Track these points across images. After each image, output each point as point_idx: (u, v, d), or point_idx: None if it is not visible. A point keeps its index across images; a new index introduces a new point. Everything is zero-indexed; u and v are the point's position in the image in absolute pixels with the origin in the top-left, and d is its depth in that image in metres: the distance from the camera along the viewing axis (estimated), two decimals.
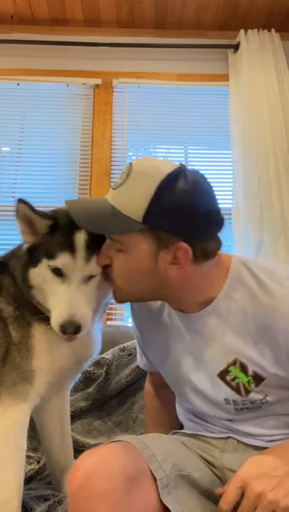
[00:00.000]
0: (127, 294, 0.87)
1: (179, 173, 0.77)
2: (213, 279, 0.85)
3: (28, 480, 1.20)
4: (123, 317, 2.08)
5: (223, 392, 0.86)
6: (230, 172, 2.22)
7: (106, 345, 1.54)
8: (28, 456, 1.31)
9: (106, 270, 0.86)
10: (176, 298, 0.87)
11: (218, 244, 0.85)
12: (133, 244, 0.78)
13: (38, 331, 0.92)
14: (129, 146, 2.36)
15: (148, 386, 1.20)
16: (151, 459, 0.77)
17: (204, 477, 0.83)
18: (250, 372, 0.83)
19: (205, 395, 0.89)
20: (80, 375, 1.12)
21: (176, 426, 1.10)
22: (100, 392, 1.43)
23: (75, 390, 1.46)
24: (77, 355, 0.99)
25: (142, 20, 2.44)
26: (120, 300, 0.89)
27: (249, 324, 0.82)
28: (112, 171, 2.29)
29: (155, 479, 0.74)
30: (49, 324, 0.86)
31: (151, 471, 0.75)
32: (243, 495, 0.69)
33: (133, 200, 0.76)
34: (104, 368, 1.44)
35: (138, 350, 1.13)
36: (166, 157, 2.40)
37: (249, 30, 2.38)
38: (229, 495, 0.69)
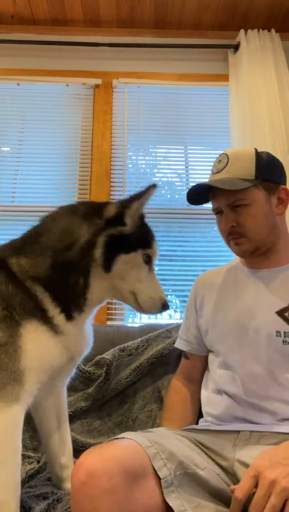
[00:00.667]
0: (254, 241, 1.05)
1: (257, 149, 1.09)
2: None
3: (28, 479, 1.21)
4: (123, 317, 2.08)
5: (277, 325, 0.99)
6: None
7: (106, 345, 1.54)
8: (28, 456, 1.31)
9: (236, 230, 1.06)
10: (272, 247, 1.07)
11: None
12: (253, 196, 1.03)
13: (26, 330, 0.91)
14: (129, 146, 2.36)
15: (174, 382, 1.27)
16: (155, 457, 0.77)
17: (210, 475, 0.84)
18: None
19: (255, 333, 1.01)
20: (74, 371, 1.11)
21: (193, 422, 1.14)
22: (100, 393, 1.43)
23: (75, 390, 1.46)
24: (69, 352, 0.99)
25: (142, 20, 2.44)
26: (246, 253, 1.07)
27: None
28: (112, 171, 2.29)
29: (159, 477, 0.75)
30: (41, 321, 0.91)
31: (155, 469, 0.75)
32: (256, 486, 0.71)
33: (244, 169, 1.04)
34: (104, 368, 1.44)
35: (184, 332, 1.26)
36: (166, 157, 2.40)
37: (249, 31, 2.38)
38: (244, 483, 0.72)
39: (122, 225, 0.98)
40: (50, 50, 2.42)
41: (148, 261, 1.01)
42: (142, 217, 1.04)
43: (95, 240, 0.97)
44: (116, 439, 0.81)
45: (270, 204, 1.06)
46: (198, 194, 1.12)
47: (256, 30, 2.38)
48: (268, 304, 1.02)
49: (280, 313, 1.00)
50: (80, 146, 2.33)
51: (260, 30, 2.38)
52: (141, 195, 1.00)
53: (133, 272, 0.98)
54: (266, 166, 1.06)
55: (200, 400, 1.13)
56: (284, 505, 0.67)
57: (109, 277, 0.98)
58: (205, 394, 1.10)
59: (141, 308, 1.01)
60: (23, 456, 1.30)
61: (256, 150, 1.07)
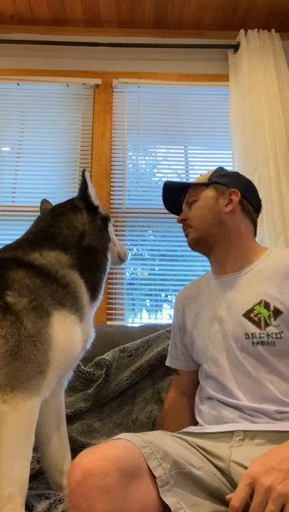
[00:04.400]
0: (197, 230, 1.16)
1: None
2: (254, 245, 1.16)
3: (29, 479, 1.20)
4: (123, 317, 2.08)
5: (244, 327, 1.01)
6: None
7: (106, 346, 1.55)
8: None
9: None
10: (227, 247, 1.14)
11: (255, 221, 1.21)
12: (202, 194, 1.18)
13: (56, 320, 0.92)
14: (129, 146, 2.36)
15: (169, 394, 1.29)
16: (150, 457, 0.77)
17: (206, 474, 0.84)
18: (271, 308, 1.00)
19: (228, 338, 1.04)
20: (72, 372, 1.12)
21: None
22: (100, 394, 1.43)
23: (75, 390, 1.46)
24: (83, 341, 1.02)
25: (142, 20, 2.44)
26: (192, 241, 1.18)
27: (277, 273, 1.05)
28: (112, 171, 2.29)
29: (155, 477, 0.75)
30: (72, 310, 0.97)
31: (150, 469, 0.76)
32: (252, 494, 0.70)
33: (203, 178, 1.22)
34: (104, 369, 1.44)
35: (171, 349, 1.29)
36: (166, 157, 2.40)
37: (249, 31, 2.38)
38: (240, 492, 0.71)
39: (98, 209, 1.24)
40: (50, 50, 2.42)
41: None
42: None
43: (98, 224, 1.21)
44: (112, 440, 0.81)
45: (218, 202, 1.16)
46: (171, 205, 1.30)
47: (256, 30, 2.38)
48: (235, 308, 1.05)
49: (247, 315, 1.02)
50: (80, 146, 2.33)
51: (260, 30, 2.38)
52: (86, 185, 1.24)
53: (114, 237, 1.30)
54: (221, 174, 1.21)
55: (193, 411, 1.14)
56: (282, 510, 0.67)
57: (112, 246, 1.25)
58: (198, 403, 1.11)
59: (121, 261, 1.35)
60: None
61: (221, 168, 1.26)
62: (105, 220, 1.25)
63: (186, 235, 1.20)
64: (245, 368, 1.00)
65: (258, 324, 1.00)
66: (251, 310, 1.02)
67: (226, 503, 0.74)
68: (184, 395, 1.23)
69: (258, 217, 1.23)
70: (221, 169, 1.24)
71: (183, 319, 1.23)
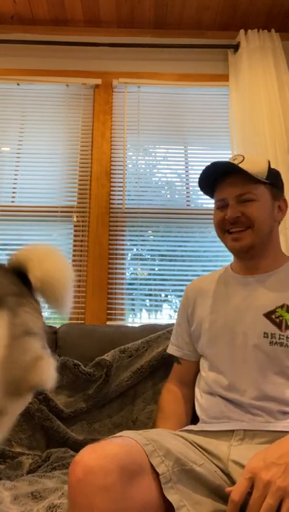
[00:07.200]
0: (256, 235, 1.07)
1: None
2: (280, 252, 1.15)
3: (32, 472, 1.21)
4: (123, 317, 2.08)
5: (264, 326, 1.02)
6: None
7: (106, 346, 1.55)
8: (26, 454, 1.32)
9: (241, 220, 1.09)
10: (264, 253, 1.11)
11: None
12: (262, 194, 1.08)
13: None
14: (129, 146, 2.36)
15: (169, 384, 1.28)
16: (152, 454, 0.77)
17: (207, 471, 0.84)
18: None
19: (244, 336, 1.04)
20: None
21: (186, 421, 1.17)
22: (100, 394, 1.43)
23: (75, 391, 1.46)
24: None
25: (142, 21, 2.44)
26: (247, 247, 1.08)
27: None
28: (112, 171, 2.29)
29: (156, 474, 0.75)
30: None
31: (152, 467, 0.76)
32: (252, 488, 0.71)
33: (259, 168, 1.09)
34: (104, 370, 1.44)
35: (175, 338, 1.28)
36: (166, 157, 2.40)
37: (249, 31, 2.38)
38: (239, 486, 0.72)
39: None
40: (50, 50, 2.42)
41: None
42: None
43: None
44: (113, 437, 0.81)
45: (274, 207, 1.11)
46: (207, 180, 1.14)
47: (256, 30, 2.38)
48: (256, 307, 1.06)
49: (268, 315, 1.03)
50: (80, 146, 2.33)
51: (260, 30, 2.38)
52: None
53: None
54: (275, 174, 1.14)
55: (193, 401, 1.15)
56: (281, 505, 0.68)
57: None
58: (198, 396, 1.12)
59: None
60: (23, 455, 1.31)
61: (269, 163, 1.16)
62: None
63: (236, 239, 1.09)
64: (255, 365, 1.00)
65: (278, 325, 1.01)
66: (273, 311, 1.03)
67: (227, 501, 0.74)
68: (183, 385, 1.23)
69: None
70: (271, 167, 1.13)
71: (193, 310, 1.22)
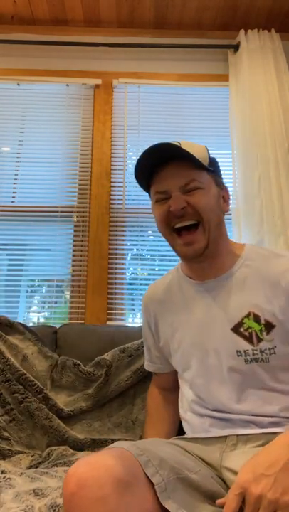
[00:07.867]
0: (211, 228, 0.95)
1: None
2: (230, 246, 1.03)
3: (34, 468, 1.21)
4: (123, 317, 2.08)
5: (235, 344, 0.94)
6: (230, 172, 2.22)
7: (106, 345, 1.55)
8: (26, 452, 1.33)
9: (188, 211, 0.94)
10: (215, 253, 0.99)
11: None
12: (208, 182, 0.97)
13: None
14: (129, 146, 2.36)
15: (152, 388, 1.27)
16: (147, 465, 0.76)
17: (203, 478, 0.83)
18: (262, 321, 0.93)
19: (216, 354, 0.96)
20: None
21: (175, 423, 1.16)
22: (100, 393, 1.43)
23: (75, 390, 1.46)
24: None
25: (142, 21, 2.44)
26: (201, 250, 0.95)
27: (264, 282, 0.95)
28: (112, 171, 2.29)
29: (151, 485, 0.74)
30: None
31: (147, 477, 0.74)
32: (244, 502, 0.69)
33: (199, 152, 0.97)
34: (104, 369, 1.44)
35: (145, 352, 1.24)
36: None
37: (249, 31, 2.38)
38: (231, 503, 0.70)
39: None
40: (50, 50, 2.42)
41: None
42: None
43: None
44: (107, 449, 0.80)
45: (219, 196, 1.00)
46: (142, 172, 0.98)
47: (256, 30, 2.38)
48: (221, 320, 0.97)
49: (236, 329, 0.95)
50: (80, 146, 2.33)
51: (260, 30, 2.38)
52: None
53: None
54: (215, 161, 1.02)
55: (176, 402, 1.12)
56: None
57: None
58: (183, 415, 1.07)
59: None
60: (23, 453, 1.31)
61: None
62: None
63: (188, 244, 0.95)
64: (234, 385, 0.95)
65: (249, 340, 0.93)
66: (240, 324, 0.94)
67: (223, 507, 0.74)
68: (164, 390, 1.22)
69: None
70: (209, 153, 1.02)
71: (156, 325, 1.14)
